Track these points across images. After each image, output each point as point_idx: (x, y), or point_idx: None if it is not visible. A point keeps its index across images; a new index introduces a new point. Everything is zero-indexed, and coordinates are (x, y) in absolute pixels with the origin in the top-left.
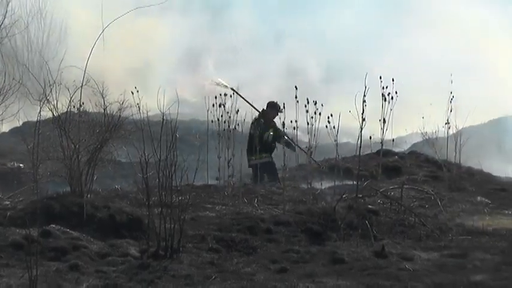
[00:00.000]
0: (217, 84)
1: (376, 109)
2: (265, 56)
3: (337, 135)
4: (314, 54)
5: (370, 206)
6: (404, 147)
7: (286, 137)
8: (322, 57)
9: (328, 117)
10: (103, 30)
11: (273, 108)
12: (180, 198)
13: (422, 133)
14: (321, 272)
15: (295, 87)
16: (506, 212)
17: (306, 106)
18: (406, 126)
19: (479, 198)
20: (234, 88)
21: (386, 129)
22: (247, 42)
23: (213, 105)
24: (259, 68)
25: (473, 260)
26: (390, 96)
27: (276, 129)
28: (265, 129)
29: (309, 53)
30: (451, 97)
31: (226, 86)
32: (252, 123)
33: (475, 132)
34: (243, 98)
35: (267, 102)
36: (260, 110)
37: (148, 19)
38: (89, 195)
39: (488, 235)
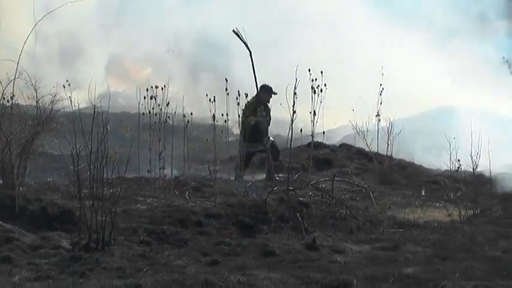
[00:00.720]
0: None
1: (307, 101)
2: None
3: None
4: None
5: (301, 199)
6: (335, 140)
7: None
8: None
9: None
10: (36, 24)
11: (266, 91)
12: (111, 190)
13: (353, 125)
14: (252, 264)
15: (226, 79)
16: (437, 204)
17: (237, 99)
18: (337, 119)
19: (411, 190)
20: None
21: (317, 122)
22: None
23: (145, 97)
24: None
25: (405, 253)
26: (319, 88)
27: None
28: (253, 113)
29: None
30: (381, 89)
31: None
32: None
33: (406, 124)
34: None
35: (261, 85)
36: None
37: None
38: (20, 188)
39: (419, 228)
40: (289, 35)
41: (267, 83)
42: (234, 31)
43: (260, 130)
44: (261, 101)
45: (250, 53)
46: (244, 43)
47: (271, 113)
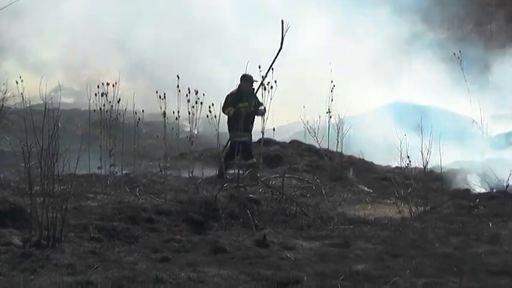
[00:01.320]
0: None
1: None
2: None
3: (218, 125)
4: (195, 40)
5: (251, 195)
6: (285, 137)
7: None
8: (201, 44)
9: (210, 107)
10: None
11: (246, 80)
12: (62, 187)
13: (304, 122)
14: (203, 261)
15: (177, 76)
16: (388, 201)
17: (187, 96)
18: (287, 116)
19: (361, 187)
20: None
21: (267, 119)
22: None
23: (96, 94)
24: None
25: (355, 249)
26: (270, 85)
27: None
28: (232, 104)
29: (193, 38)
30: (332, 86)
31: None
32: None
33: (357, 121)
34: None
35: (241, 75)
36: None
37: None
38: None
39: (370, 224)
40: (240, 30)
41: (247, 73)
42: (282, 21)
43: (245, 120)
44: (243, 91)
45: (280, 49)
46: (282, 38)
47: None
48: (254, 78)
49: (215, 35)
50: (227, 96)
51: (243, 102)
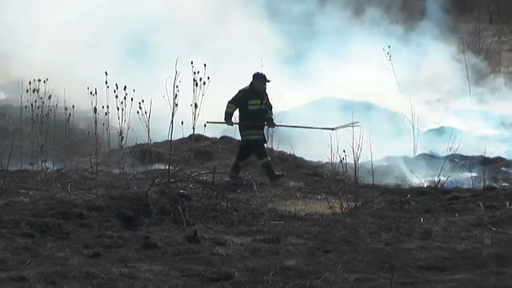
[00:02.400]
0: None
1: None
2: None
3: (148, 120)
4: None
5: (182, 191)
6: (216, 132)
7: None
8: (123, 41)
9: (140, 103)
10: None
11: (259, 78)
12: None
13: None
14: (134, 256)
15: (105, 72)
16: (319, 196)
17: (115, 92)
18: (217, 112)
19: (292, 182)
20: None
21: (198, 115)
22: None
23: (27, 90)
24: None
25: (286, 245)
26: (202, 81)
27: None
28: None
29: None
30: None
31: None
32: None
33: (288, 116)
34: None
35: (253, 73)
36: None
37: None
38: None
39: (300, 220)
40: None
41: (260, 72)
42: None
43: (256, 118)
44: (255, 89)
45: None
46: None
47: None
48: (266, 77)
49: (144, 32)
50: (239, 91)
51: (255, 99)
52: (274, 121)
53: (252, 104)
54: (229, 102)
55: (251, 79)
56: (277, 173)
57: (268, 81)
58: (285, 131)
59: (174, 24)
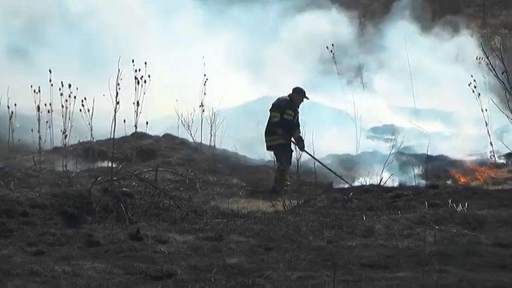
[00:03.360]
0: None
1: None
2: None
3: (91, 118)
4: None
5: (125, 189)
6: (158, 130)
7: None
8: (72, 38)
9: (82, 101)
10: None
11: (299, 93)
12: None
13: (178, 115)
14: (77, 254)
15: (49, 70)
16: (261, 194)
17: (60, 89)
18: (160, 109)
19: (235, 180)
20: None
21: (141, 113)
22: None
23: None
24: None
25: (229, 243)
26: (143, 79)
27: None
28: (274, 109)
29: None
30: (205, 80)
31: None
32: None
33: (231, 114)
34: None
35: (293, 88)
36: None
37: None
38: None
39: (243, 218)
40: (116, 25)
41: (300, 87)
42: None
43: (289, 129)
44: (295, 102)
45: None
46: None
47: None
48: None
49: (91, 30)
50: (279, 100)
51: (291, 110)
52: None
53: (287, 113)
54: (272, 111)
55: (291, 92)
56: (280, 188)
57: (307, 98)
58: (229, 130)
59: (117, 22)
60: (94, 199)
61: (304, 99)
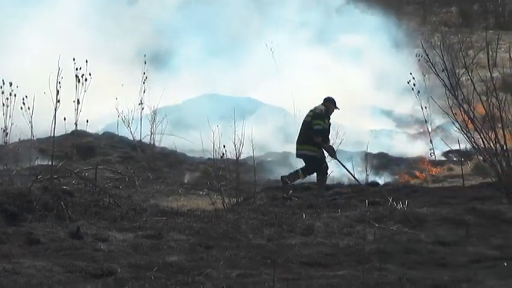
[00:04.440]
0: None
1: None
2: None
3: (32, 116)
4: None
5: (65, 187)
6: (98, 128)
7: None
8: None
9: (23, 99)
10: None
11: (332, 103)
12: None
13: (119, 113)
14: (18, 252)
15: None
16: (201, 192)
17: (1, 88)
18: (100, 107)
19: (174, 178)
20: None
21: (81, 111)
22: None
23: None
24: None
25: (168, 241)
26: (84, 77)
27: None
28: (318, 117)
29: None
30: (145, 78)
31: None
32: (312, 110)
33: (170, 113)
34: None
35: (326, 97)
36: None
37: None
38: None
39: (182, 216)
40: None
41: (332, 96)
42: None
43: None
44: (329, 112)
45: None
46: None
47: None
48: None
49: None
50: (319, 109)
51: (328, 120)
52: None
53: (326, 122)
54: (314, 118)
55: (324, 101)
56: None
57: (338, 108)
58: (168, 127)
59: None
60: (34, 197)
61: (336, 110)
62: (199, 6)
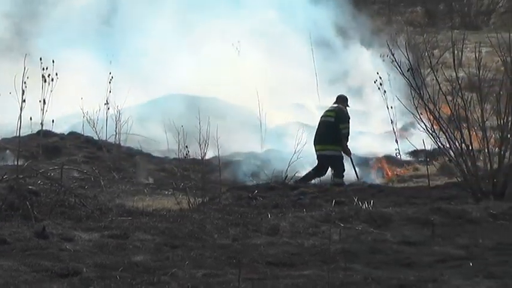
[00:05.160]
0: None
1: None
2: None
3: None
4: None
5: (31, 187)
6: (64, 128)
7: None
8: None
9: None
10: None
11: (346, 101)
12: None
13: (84, 113)
14: None
15: None
16: (166, 192)
17: None
18: (66, 107)
19: (140, 178)
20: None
21: (47, 111)
22: None
23: None
24: None
25: (134, 241)
26: (50, 77)
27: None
28: (345, 120)
29: None
30: (110, 78)
31: None
32: (333, 111)
33: (135, 112)
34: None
35: (339, 96)
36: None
37: None
38: None
39: (148, 215)
40: None
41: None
42: None
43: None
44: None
45: None
46: None
47: None
48: None
49: None
50: (344, 110)
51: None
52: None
53: (349, 124)
54: (342, 122)
55: (342, 100)
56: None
57: (349, 106)
58: (134, 127)
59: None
60: (0, 197)
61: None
62: (164, 4)
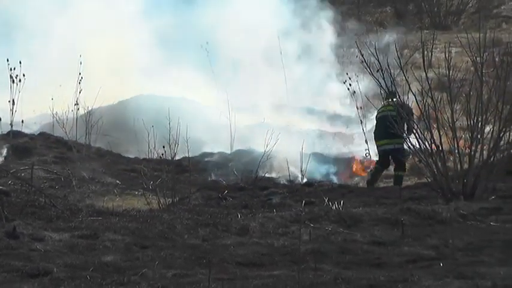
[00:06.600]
0: None
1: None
2: None
3: None
4: None
5: (1, 187)
6: (34, 128)
7: None
8: None
9: None
10: None
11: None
12: None
13: (53, 114)
14: None
15: None
16: (136, 192)
17: None
18: (36, 107)
19: (110, 178)
20: None
21: (16, 111)
22: None
23: None
24: None
25: (104, 241)
26: (18, 78)
27: None
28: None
29: None
30: (80, 78)
31: None
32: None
33: (105, 113)
34: None
35: (392, 91)
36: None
37: None
38: None
39: (118, 216)
40: None
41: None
42: None
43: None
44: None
45: None
46: None
47: None
48: None
49: None
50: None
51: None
52: None
53: None
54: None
55: (394, 94)
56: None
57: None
58: (104, 127)
59: None
60: None
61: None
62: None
